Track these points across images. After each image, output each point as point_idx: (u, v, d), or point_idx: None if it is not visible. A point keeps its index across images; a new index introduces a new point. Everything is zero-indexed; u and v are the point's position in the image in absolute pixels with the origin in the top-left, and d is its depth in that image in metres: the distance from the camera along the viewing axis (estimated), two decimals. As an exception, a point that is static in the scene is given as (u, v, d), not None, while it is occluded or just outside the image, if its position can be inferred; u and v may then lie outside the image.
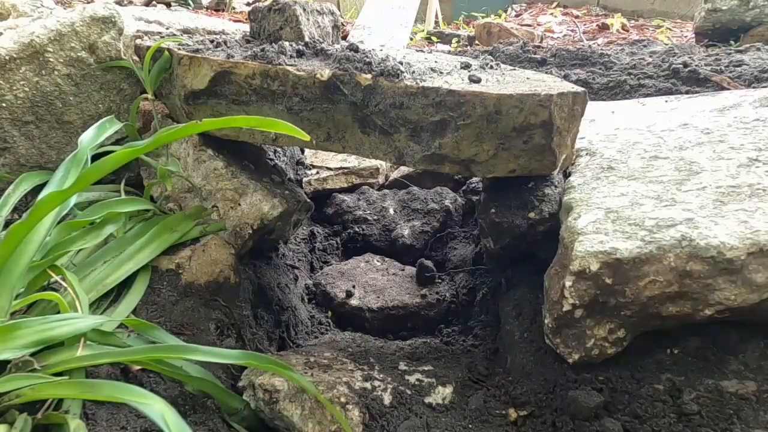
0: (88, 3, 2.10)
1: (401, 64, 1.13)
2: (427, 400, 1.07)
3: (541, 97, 1.03)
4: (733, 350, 0.92)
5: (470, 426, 1.01)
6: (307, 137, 0.85)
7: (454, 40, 4.59)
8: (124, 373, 0.98)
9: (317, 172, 2.07)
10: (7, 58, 1.25)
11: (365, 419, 1.00)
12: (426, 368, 1.16)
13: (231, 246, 1.26)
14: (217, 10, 4.43)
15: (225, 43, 1.28)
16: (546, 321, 1.00)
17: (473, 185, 2.02)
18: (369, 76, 1.08)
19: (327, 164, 2.11)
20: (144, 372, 0.99)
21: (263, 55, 1.14)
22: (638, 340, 0.95)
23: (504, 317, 1.26)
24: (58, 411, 0.82)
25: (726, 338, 0.93)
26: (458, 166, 1.11)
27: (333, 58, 1.15)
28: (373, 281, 1.69)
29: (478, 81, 1.11)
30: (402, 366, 1.16)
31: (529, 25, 5.04)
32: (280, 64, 1.12)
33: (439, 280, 1.70)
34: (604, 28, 4.79)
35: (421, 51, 2.07)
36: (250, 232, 1.26)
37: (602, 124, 1.42)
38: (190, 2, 4.25)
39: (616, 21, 4.89)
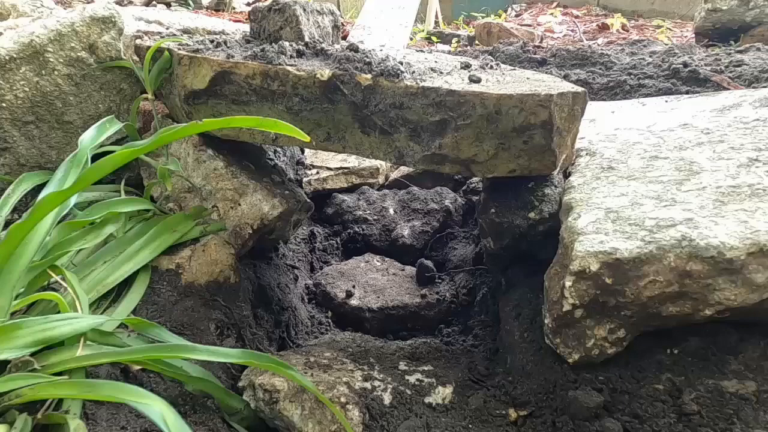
0: (88, 3, 2.10)
1: (401, 64, 1.13)
2: (427, 400, 1.07)
3: (541, 97, 1.03)
4: (733, 350, 0.92)
5: (470, 426, 1.01)
6: (306, 137, 0.85)
7: (454, 40, 4.59)
8: (124, 373, 0.98)
9: (317, 172, 2.07)
10: (7, 58, 1.25)
11: (365, 419, 1.00)
12: (426, 368, 1.16)
13: (231, 246, 1.26)
14: (217, 10, 4.44)
15: (225, 43, 1.28)
16: (546, 321, 1.00)
17: (473, 185, 2.03)
18: (369, 76, 1.08)
19: (327, 164, 2.11)
20: (144, 372, 0.99)
21: (263, 55, 1.14)
22: (638, 340, 0.95)
23: (504, 317, 1.26)
24: (58, 411, 0.82)
25: (726, 338, 0.93)
26: (458, 166, 1.11)
27: (333, 58, 1.15)
28: (373, 281, 1.69)
29: (478, 81, 1.11)
30: (402, 366, 1.16)
31: (529, 25, 5.04)
32: (280, 64, 1.12)
33: (439, 280, 1.70)
34: (604, 28, 4.79)
35: (421, 51, 2.07)
36: (250, 232, 1.26)
37: (602, 124, 1.42)
38: (190, 2, 4.25)
39: (616, 21, 4.90)
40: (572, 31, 4.80)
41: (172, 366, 0.94)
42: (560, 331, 0.97)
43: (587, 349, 0.95)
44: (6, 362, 0.83)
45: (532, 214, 1.18)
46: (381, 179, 2.16)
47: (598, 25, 4.88)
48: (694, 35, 3.40)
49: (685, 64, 2.09)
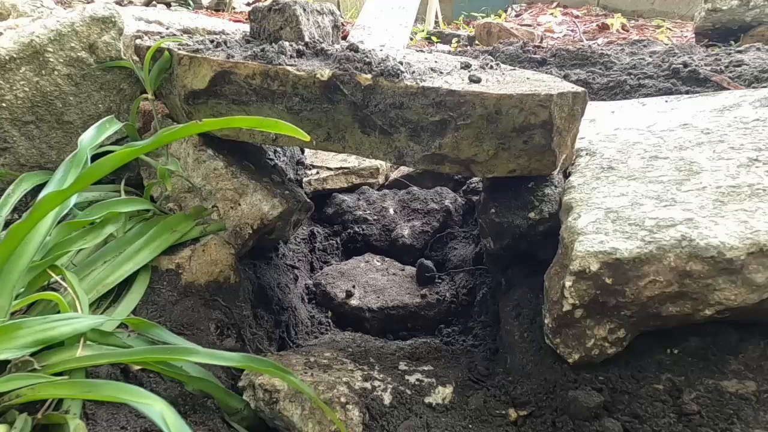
0: (88, 3, 2.10)
1: (401, 64, 1.13)
2: (427, 400, 1.07)
3: (541, 97, 1.03)
4: (733, 350, 0.92)
5: (470, 426, 1.01)
6: (307, 137, 0.85)
7: (454, 40, 4.59)
8: (124, 373, 0.98)
9: (317, 172, 2.07)
10: (7, 58, 1.25)
11: (365, 419, 1.00)
12: (426, 368, 1.16)
13: (231, 246, 1.26)
14: (217, 10, 4.44)
15: (225, 43, 1.28)
16: (546, 321, 1.00)
17: (473, 185, 2.03)
18: (369, 76, 1.08)
19: (327, 164, 2.11)
20: (144, 372, 0.99)
21: (263, 55, 1.14)
22: (638, 340, 0.95)
23: (504, 317, 1.25)
24: (58, 411, 0.82)
25: (726, 338, 0.93)
26: (458, 166, 1.11)
27: (333, 58, 1.15)
28: (373, 281, 1.69)
29: (478, 81, 1.11)
30: (402, 366, 1.16)
31: (529, 25, 5.04)
32: (280, 64, 1.12)
33: (439, 280, 1.70)
34: (604, 28, 4.79)
35: (421, 51, 2.07)
36: (250, 232, 1.26)
37: (602, 124, 1.42)
38: (190, 2, 4.25)
39: (616, 21, 4.90)
40: (572, 31, 4.80)
41: (172, 366, 0.94)
42: (560, 331, 0.97)
43: (587, 349, 0.95)
44: (6, 362, 0.83)
45: (532, 214, 1.18)
46: (381, 179, 2.16)
47: (598, 25, 4.88)
48: (694, 35, 3.39)
49: (685, 64, 2.09)
